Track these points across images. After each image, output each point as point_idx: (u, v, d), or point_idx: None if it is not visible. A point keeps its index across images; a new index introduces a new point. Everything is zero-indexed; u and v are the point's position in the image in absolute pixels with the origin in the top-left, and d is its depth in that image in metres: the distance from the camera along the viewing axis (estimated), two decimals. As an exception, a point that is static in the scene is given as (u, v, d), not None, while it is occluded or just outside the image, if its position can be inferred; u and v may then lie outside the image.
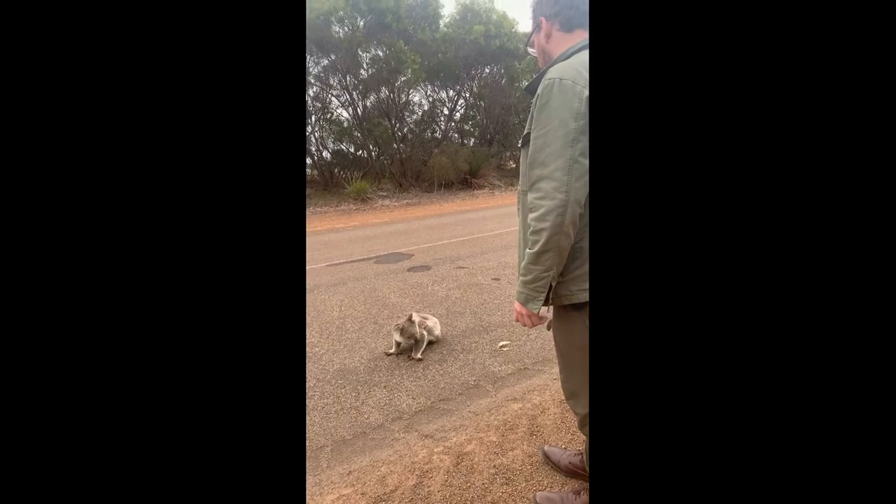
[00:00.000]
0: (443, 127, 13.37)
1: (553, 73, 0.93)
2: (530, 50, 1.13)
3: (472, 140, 13.80)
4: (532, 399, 1.91)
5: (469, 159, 11.73)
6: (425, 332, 2.43)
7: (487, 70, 12.80)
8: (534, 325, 1.07)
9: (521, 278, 1.01)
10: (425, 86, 12.36)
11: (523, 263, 0.99)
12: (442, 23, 11.56)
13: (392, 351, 2.44)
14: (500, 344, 2.51)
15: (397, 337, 2.38)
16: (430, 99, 12.91)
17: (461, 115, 13.64)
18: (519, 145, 1.06)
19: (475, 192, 11.41)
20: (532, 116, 0.96)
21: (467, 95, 13.30)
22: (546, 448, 1.51)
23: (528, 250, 0.97)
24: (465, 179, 11.75)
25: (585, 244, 0.98)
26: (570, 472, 1.41)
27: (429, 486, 1.42)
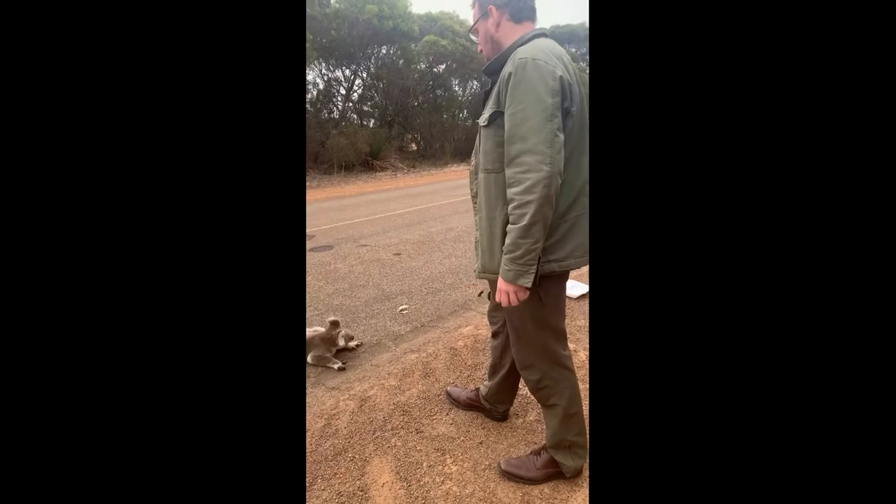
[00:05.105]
0: (340, 107, 13.04)
1: (523, 53, 0.98)
2: (473, 36, 1.18)
3: (373, 121, 13.67)
4: (427, 349, 2.19)
5: (370, 141, 11.64)
6: (342, 341, 2.15)
7: (384, 50, 12.70)
8: (520, 300, 1.05)
9: (506, 255, 1.00)
10: (319, 63, 11.91)
11: (509, 239, 0.99)
12: (333, -1, 11.20)
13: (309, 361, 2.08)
14: (401, 308, 2.75)
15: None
16: (326, 78, 12.49)
17: (359, 95, 13.41)
18: (481, 124, 1.08)
19: (377, 174, 11.41)
20: (498, 97, 1.02)
21: (364, 76, 13.10)
22: (448, 389, 1.78)
23: (512, 225, 0.98)
24: (367, 161, 11.67)
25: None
26: (468, 405, 1.69)
27: (336, 425, 1.63)
